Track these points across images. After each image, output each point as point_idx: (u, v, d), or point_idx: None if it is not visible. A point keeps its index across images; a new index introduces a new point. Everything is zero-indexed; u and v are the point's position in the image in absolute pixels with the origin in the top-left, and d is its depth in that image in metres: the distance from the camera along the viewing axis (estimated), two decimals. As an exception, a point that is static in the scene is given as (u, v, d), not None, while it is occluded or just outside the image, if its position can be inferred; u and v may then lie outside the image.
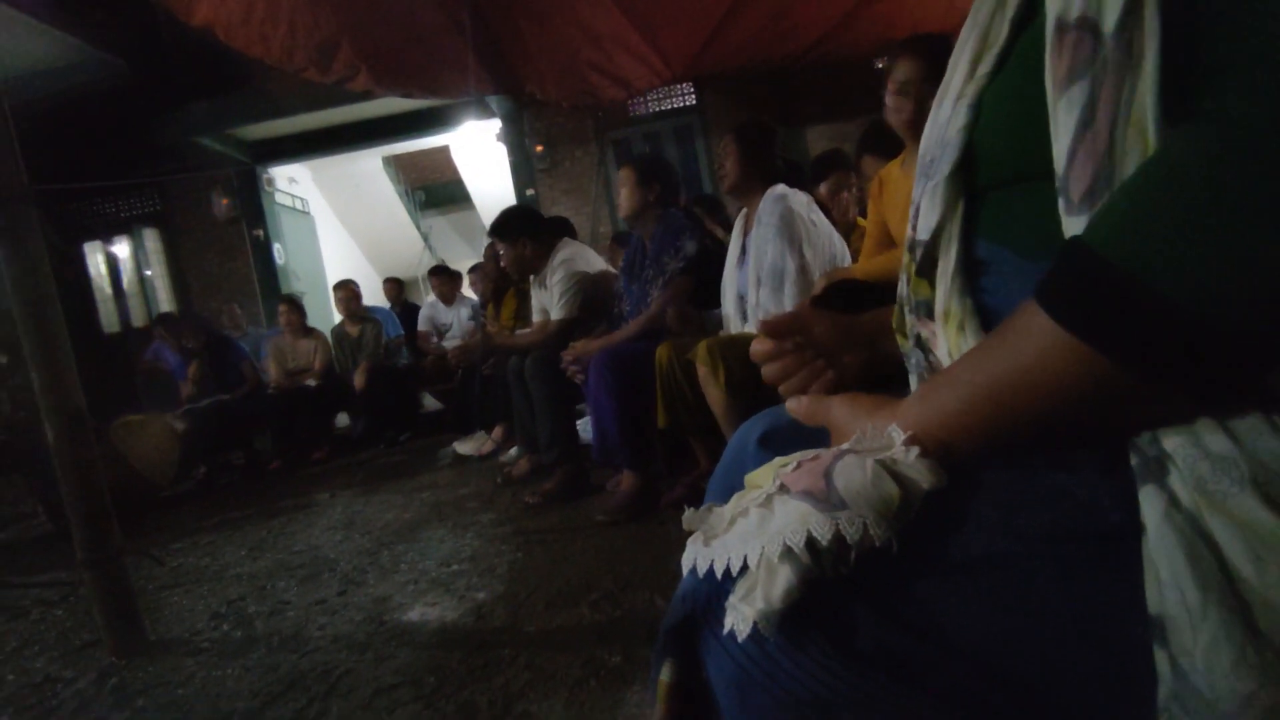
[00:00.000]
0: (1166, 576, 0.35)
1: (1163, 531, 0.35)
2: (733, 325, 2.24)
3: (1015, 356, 0.39)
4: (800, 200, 2.14)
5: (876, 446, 0.43)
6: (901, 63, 1.78)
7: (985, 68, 0.50)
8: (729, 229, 2.68)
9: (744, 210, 2.27)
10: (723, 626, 0.42)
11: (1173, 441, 0.36)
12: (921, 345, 0.55)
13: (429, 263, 8.06)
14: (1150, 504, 0.36)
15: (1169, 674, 0.35)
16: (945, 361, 0.52)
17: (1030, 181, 0.46)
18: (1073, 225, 0.39)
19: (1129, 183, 0.36)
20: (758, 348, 0.68)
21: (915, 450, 0.42)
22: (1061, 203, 0.41)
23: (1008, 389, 0.39)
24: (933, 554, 0.41)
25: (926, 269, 0.53)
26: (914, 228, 0.55)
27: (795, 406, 0.56)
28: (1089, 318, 0.35)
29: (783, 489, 0.43)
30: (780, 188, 2.15)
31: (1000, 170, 0.49)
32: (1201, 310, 0.32)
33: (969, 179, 0.50)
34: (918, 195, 0.55)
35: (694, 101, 6.57)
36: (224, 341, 4.95)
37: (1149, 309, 0.33)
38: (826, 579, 0.40)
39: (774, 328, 0.68)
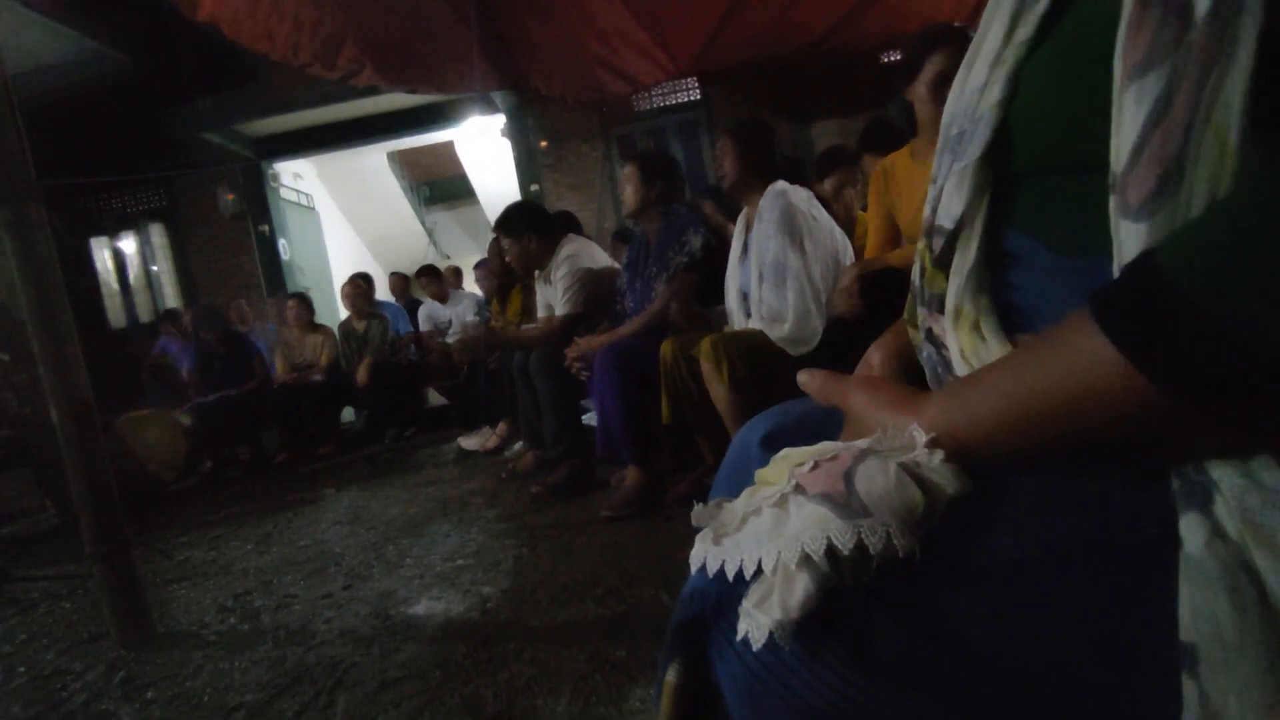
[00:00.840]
0: (1203, 607, 0.33)
1: (1204, 561, 0.33)
2: (736, 321, 2.23)
3: (1061, 373, 0.36)
4: (800, 196, 2.13)
5: (898, 446, 0.41)
6: (938, 54, 1.70)
7: (1025, 31, 0.45)
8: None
9: (745, 208, 2.26)
10: (735, 631, 0.40)
11: (1220, 470, 0.33)
12: (933, 340, 0.53)
13: (433, 258, 8.08)
14: (1192, 531, 0.34)
15: (1196, 705, 0.33)
16: (956, 360, 0.49)
17: (1075, 173, 0.42)
18: (1127, 231, 0.36)
19: (1223, 205, 0.32)
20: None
21: (940, 453, 0.40)
22: (1114, 202, 0.37)
23: (1048, 406, 0.36)
24: (956, 560, 0.39)
25: (944, 259, 0.50)
26: (934, 211, 0.51)
27: (807, 380, 0.53)
28: (1154, 348, 0.32)
29: (799, 489, 0.42)
30: (780, 184, 2.15)
31: (1041, 156, 0.44)
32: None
33: (1002, 162, 0.46)
34: (941, 173, 0.51)
35: (699, 97, 6.55)
36: (238, 337, 4.98)
37: (1223, 351, 0.29)
38: (845, 587, 0.38)
39: (884, 367, 0.64)
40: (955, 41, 1.70)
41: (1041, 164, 0.45)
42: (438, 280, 5.47)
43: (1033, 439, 0.37)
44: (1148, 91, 0.35)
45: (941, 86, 1.69)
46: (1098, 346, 0.33)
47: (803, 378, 0.54)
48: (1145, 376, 0.32)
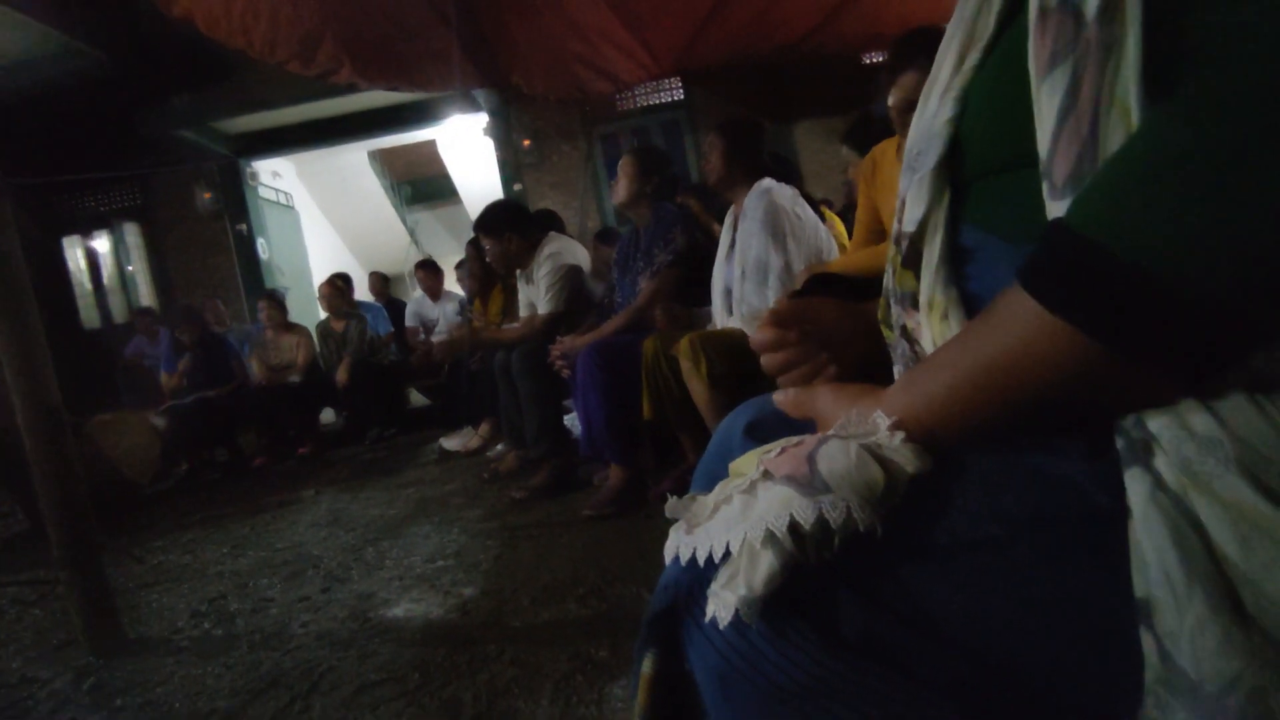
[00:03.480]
0: (1152, 559, 0.34)
1: (1148, 513, 0.35)
2: (719, 319, 2.23)
3: (1000, 340, 0.38)
4: (785, 194, 2.14)
5: (861, 431, 0.43)
6: (905, 78, 1.72)
7: (972, 61, 0.50)
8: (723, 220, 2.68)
9: (732, 205, 2.26)
10: (705, 615, 0.41)
11: (1158, 423, 0.35)
12: (907, 336, 0.55)
13: (415, 258, 8.01)
14: (1136, 486, 0.36)
15: (1155, 656, 0.35)
16: (930, 350, 0.51)
17: (1016, 169, 0.46)
18: (1056, 210, 0.39)
19: (1108, 163, 0.36)
20: (760, 336, 0.65)
21: (900, 434, 0.41)
22: (1045, 187, 0.40)
23: (993, 372, 0.39)
24: (917, 539, 0.41)
25: (912, 260, 0.53)
26: (900, 220, 0.55)
27: (782, 399, 0.56)
28: (1072, 297, 0.35)
29: (766, 474, 0.43)
30: (766, 182, 2.15)
31: (986, 159, 0.48)
32: (1184, 286, 0.31)
33: (955, 170, 0.50)
34: (904, 189, 0.55)
35: (682, 96, 6.55)
36: (215, 338, 4.91)
37: (1131, 286, 0.32)
38: (810, 565, 0.39)
39: (781, 316, 0.65)
40: (918, 66, 1.70)
41: (987, 166, 0.48)
42: (435, 275, 5.37)
43: (984, 408, 0.40)
44: (1057, 85, 0.39)
45: (905, 112, 1.72)
46: (1026, 307, 0.37)
47: (777, 397, 0.56)
48: (1065, 320, 0.35)
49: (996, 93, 0.47)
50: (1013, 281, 0.38)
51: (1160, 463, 0.35)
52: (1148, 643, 0.35)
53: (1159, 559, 0.34)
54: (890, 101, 1.77)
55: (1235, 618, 0.32)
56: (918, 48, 1.72)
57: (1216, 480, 0.33)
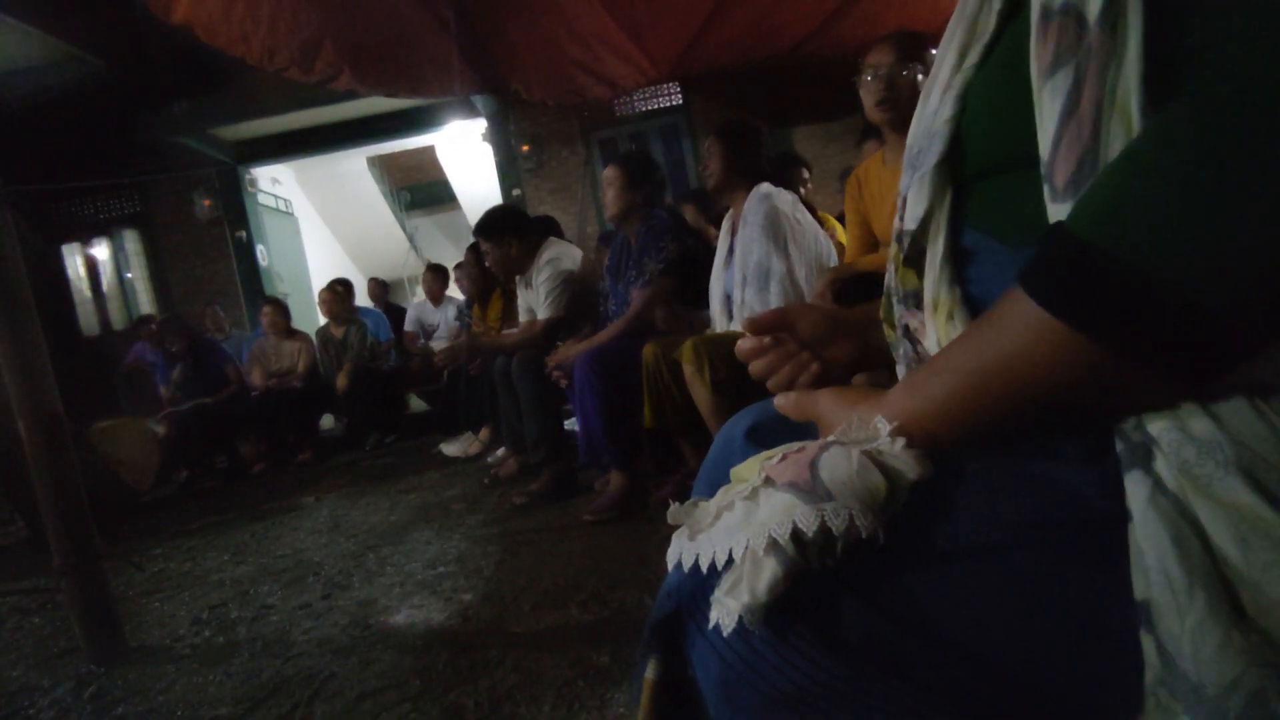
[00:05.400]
0: (1152, 561, 0.34)
1: (1148, 516, 0.35)
2: (718, 324, 2.23)
3: (1001, 343, 0.39)
4: (785, 199, 2.14)
5: (862, 437, 0.43)
6: (873, 52, 1.81)
7: (972, 59, 0.50)
8: (720, 225, 2.68)
9: (730, 210, 2.26)
10: (708, 621, 0.41)
11: (1158, 426, 0.35)
12: (909, 336, 0.55)
13: (414, 264, 8.03)
14: (1136, 489, 0.36)
15: (1156, 658, 0.35)
16: (934, 351, 0.51)
17: (1016, 170, 0.46)
18: (1057, 212, 0.39)
19: (1110, 166, 0.36)
20: (743, 345, 0.68)
21: (901, 441, 0.41)
22: (1046, 190, 0.40)
23: (994, 376, 0.39)
24: (919, 545, 0.41)
25: (914, 259, 0.53)
26: (901, 218, 0.55)
27: (783, 403, 0.56)
28: (1072, 300, 0.35)
29: (768, 481, 0.43)
30: (765, 187, 2.15)
31: (986, 159, 0.49)
32: (1184, 289, 0.31)
33: (956, 169, 0.50)
34: (905, 186, 0.55)
35: (680, 101, 6.57)
36: (207, 344, 4.89)
37: (1132, 289, 0.33)
38: (813, 571, 0.40)
39: (758, 325, 0.67)
40: (887, 41, 1.80)
41: (987, 165, 0.49)
42: (441, 280, 5.35)
43: (985, 412, 0.40)
44: (1059, 88, 0.39)
45: (873, 78, 1.80)
46: (1028, 311, 0.37)
47: (778, 401, 0.56)
48: (1067, 325, 0.35)
49: (998, 93, 0.47)
50: (1014, 284, 0.38)
51: (1160, 465, 0.35)
52: (1148, 645, 0.35)
53: (1159, 561, 0.34)
54: (862, 78, 1.82)
55: (1235, 620, 0.32)
56: (890, 35, 1.83)
57: (1216, 483, 0.33)
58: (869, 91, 1.82)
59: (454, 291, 5.59)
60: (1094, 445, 0.39)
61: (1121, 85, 0.36)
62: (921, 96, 0.57)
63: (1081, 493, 0.39)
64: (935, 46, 0.55)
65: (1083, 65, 0.38)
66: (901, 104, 1.78)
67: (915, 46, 1.78)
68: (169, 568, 2.60)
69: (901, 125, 1.86)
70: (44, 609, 2.31)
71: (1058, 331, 0.35)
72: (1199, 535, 0.33)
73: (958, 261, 0.50)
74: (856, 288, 1.86)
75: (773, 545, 0.39)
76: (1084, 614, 0.38)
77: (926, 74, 1.76)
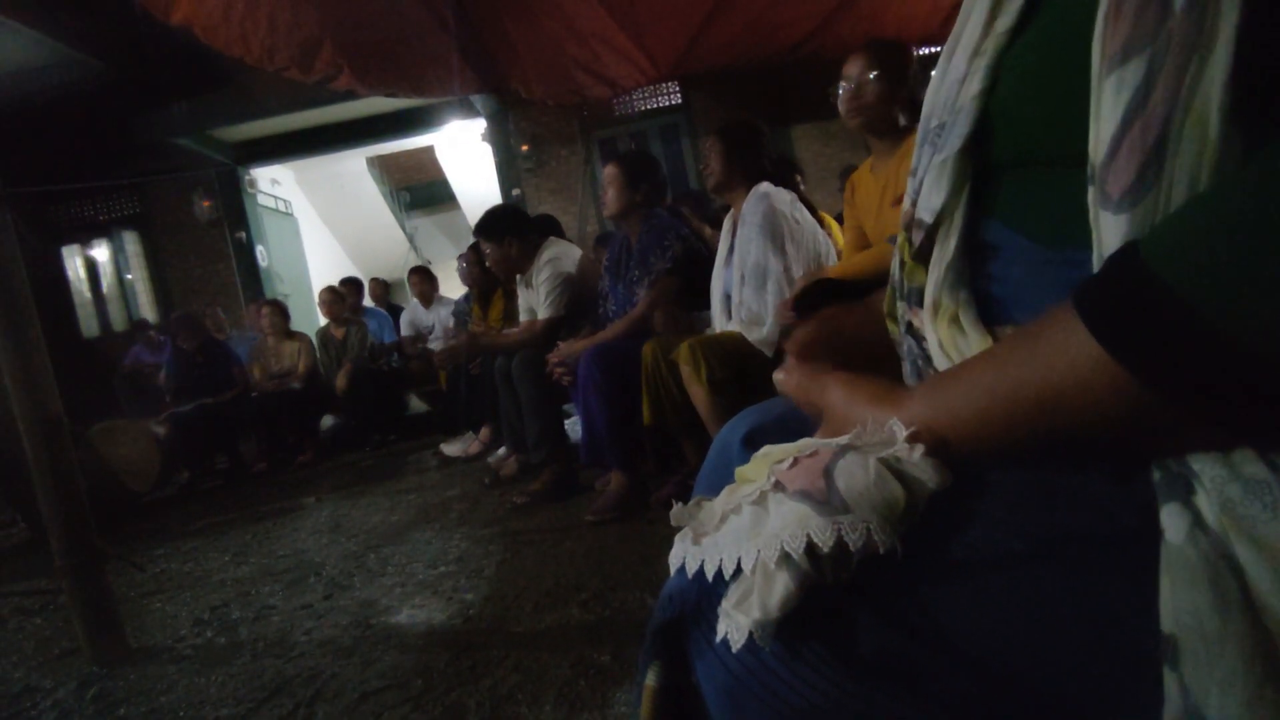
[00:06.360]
0: (1184, 599, 0.32)
1: (1185, 552, 0.32)
2: (718, 323, 2.23)
3: (1044, 370, 0.35)
4: (784, 198, 2.14)
5: (878, 442, 0.41)
6: (849, 62, 1.87)
7: (1006, 20, 0.44)
8: (716, 226, 2.68)
9: (731, 209, 2.26)
10: (715, 632, 0.39)
11: (1200, 461, 0.33)
12: (913, 334, 0.52)
13: (414, 264, 8.02)
14: (1174, 521, 0.33)
15: (1178, 696, 0.32)
16: (935, 354, 0.49)
17: (1055, 165, 0.42)
18: (1108, 222, 0.35)
19: (1206, 197, 0.31)
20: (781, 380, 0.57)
21: (920, 448, 0.39)
22: (1093, 193, 0.36)
23: (1030, 401, 0.36)
24: (937, 556, 0.39)
25: (925, 253, 0.49)
26: (914, 203, 0.50)
27: (785, 380, 0.52)
28: (1139, 345, 0.31)
29: (778, 487, 0.41)
30: (764, 186, 2.15)
31: (1022, 148, 0.44)
32: (1271, 357, 0.28)
33: (982, 153, 0.45)
34: (920, 166, 0.50)
35: (680, 100, 6.57)
36: (217, 344, 4.90)
37: (1212, 349, 0.29)
38: (825, 584, 0.38)
39: (806, 349, 0.58)
40: (863, 50, 1.85)
41: (1022, 155, 0.44)
42: (428, 281, 5.32)
43: (1015, 434, 0.37)
44: (1127, 81, 0.34)
45: (845, 82, 1.86)
46: (1081, 341, 0.33)
47: (778, 376, 0.53)
48: (1129, 372, 0.31)
49: (1043, 73, 0.41)
50: (1063, 301, 0.34)
51: (1201, 501, 0.33)
52: (1171, 681, 0.33)
53: (1192, 601, 0.32)
54: (840, 91, 1.87)
55: (1269, 673, 0.30)
56: (867, 44, 1.87)
57: (1262, 525, 0.31)
58: (840, 100, 1.88)
59: (446, 290, 5.58)
60: (1127, 462, 0.37)
61: (1202, 88, 0.31)
62: (943, 57, 0.50)
63: (1108, 509, 0.37)
64: (913, 57, 0.51)
65: (1159, 58, 0.32)
66: (867, 112, 1.85)
67: (884, 55, 1.83)
68: (170, 568, 2.60)
69: (876, 131, 1.89)
70: (46, 610, 2.31)
71: (1113, 371, 0.32)
72: (1238, 579, 0.31)
73: (974, 257, 0.46)
74: (822, 295, 1.86)
75: (785, 559, 0.37)
76: (1105, 633, 0.36)
77: (895, 83, 1.80)
